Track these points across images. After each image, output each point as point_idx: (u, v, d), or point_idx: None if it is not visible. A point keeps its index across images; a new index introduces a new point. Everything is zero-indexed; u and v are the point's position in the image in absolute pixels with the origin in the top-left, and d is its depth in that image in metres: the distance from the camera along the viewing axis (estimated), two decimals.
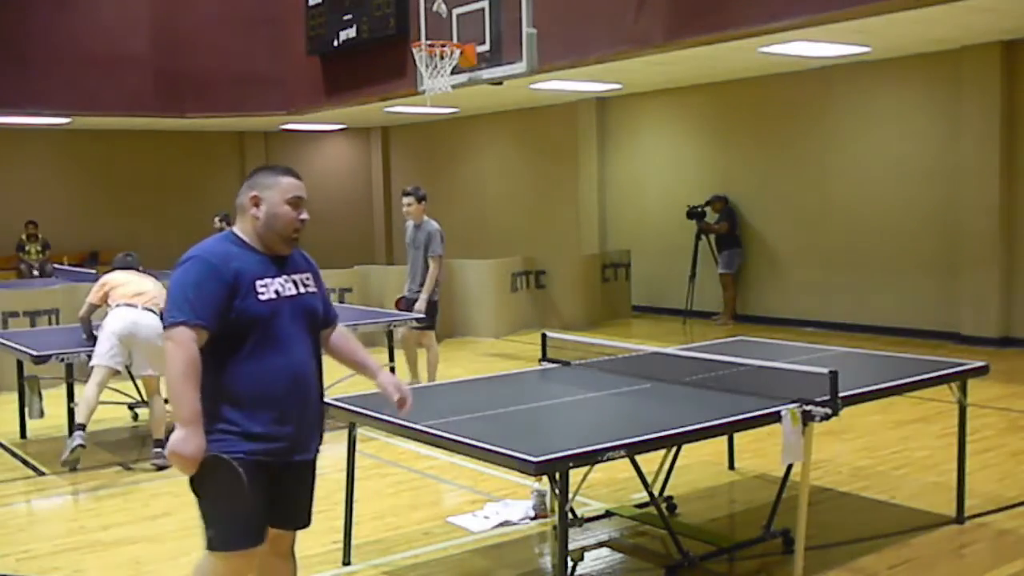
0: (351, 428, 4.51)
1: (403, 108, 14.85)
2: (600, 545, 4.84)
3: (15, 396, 7.53)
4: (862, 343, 9.38)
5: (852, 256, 12.06)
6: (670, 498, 5.32)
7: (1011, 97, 10.56)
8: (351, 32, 12.02)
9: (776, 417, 4.05)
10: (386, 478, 6.21)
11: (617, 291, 13.95)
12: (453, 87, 9.55)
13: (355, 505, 4.73)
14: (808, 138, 12.53)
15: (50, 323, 9.55)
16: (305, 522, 3.40)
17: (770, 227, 13.05)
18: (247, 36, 13.94)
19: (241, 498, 3.07)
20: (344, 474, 4.62)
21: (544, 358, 5.35)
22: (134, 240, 16.37)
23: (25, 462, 6.86)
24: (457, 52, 9.42)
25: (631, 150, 14.89)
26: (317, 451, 3.34)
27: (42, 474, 6.54)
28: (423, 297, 8.24)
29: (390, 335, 8.25)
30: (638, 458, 4.29)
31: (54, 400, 7.38)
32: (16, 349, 6.91)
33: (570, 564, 4.39)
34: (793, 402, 4.12)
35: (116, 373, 6.61)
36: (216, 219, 12.94)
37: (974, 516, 5.18)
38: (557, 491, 3.46)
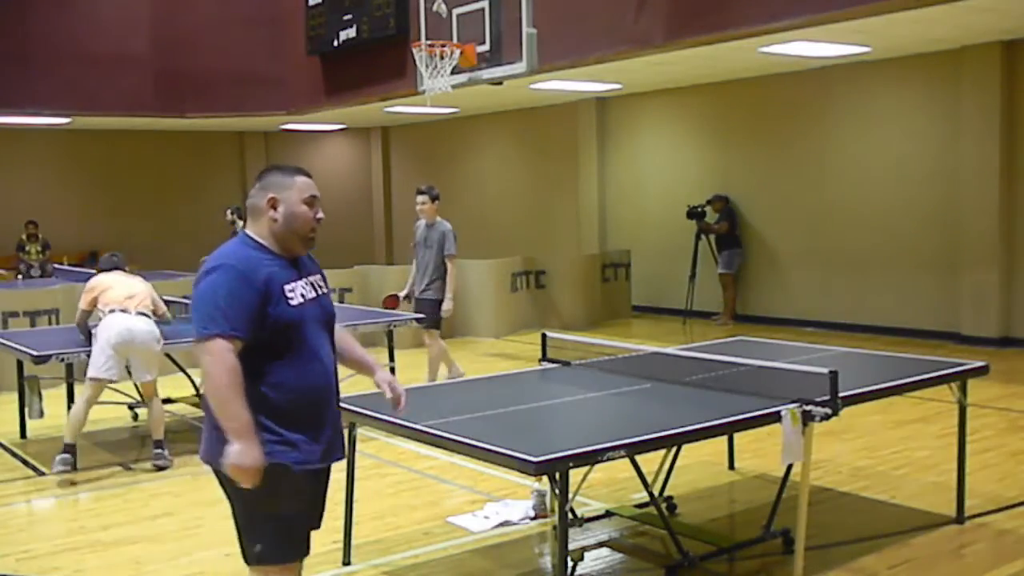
0: (351, 428, 4.50)
1: (403, 108, 14.85)
2: (600, 545, 4.83)
3: (15, 396, 7.52)
4: (862, 343, 9.39)
5: (852, 256, 12.06)
6: (670, 498, 5.32)
7: (1011, 97, 10.56)
8: (351, 32, 12.02)
9: (776, 417, 4.06)
10: (386, 478, 6.21)
11: (617, 291, 13.95)
12: (453, 87, 9.55)
13: (355, 505, 4.74)
14: (808, 138, 12.53)
15: (50, 323, 9.56)
16: (319, 524, 3.36)
17: (770, 227, 13.04)
18: (247, 36, 13.93)
19: (299, 508, 3.07)
20: (344, 474, 4.61)
21: (544, 358, 5.35)
22: (134, 240, 16.42)
23: (25, 462, 6.86)
24: (457, 52, 9.43)
25: (631, 150, 14.89)
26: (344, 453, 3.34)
27: (42, 474, 6.53)
28: (448, 296, 8.33)
29: (390, 335, 8.25)
30: (638, 458, 4.28)
31: (54, 400, 7.40)
32: (16, 349, 6.90)
33: (570, 564, 4.39)
34: (793, 402, 4.12)
35: (112, 382, 6.57)
36: (228, 212, 12.70)
37: (974, 516, 5.18)
38: (557, 491, 3.46)
